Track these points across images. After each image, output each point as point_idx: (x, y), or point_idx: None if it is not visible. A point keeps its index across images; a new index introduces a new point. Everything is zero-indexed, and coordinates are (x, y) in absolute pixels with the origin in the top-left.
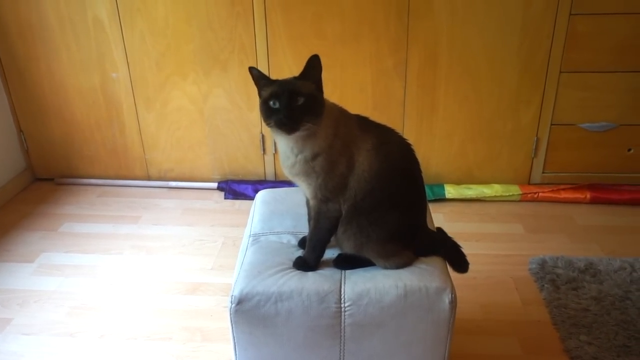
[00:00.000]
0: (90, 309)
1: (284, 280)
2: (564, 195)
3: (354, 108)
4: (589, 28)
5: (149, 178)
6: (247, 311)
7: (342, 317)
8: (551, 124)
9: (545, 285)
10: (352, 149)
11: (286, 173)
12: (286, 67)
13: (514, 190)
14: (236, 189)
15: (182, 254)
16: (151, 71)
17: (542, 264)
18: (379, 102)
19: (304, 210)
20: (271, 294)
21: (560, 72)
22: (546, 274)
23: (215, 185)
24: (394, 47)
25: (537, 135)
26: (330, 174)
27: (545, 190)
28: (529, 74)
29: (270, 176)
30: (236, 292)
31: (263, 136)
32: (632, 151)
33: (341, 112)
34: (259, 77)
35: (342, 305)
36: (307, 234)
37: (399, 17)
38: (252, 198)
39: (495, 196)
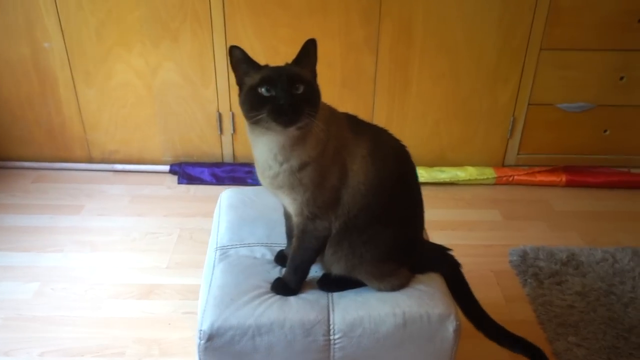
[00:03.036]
0: (27, 321)
1: (262, 309)
2: (539, 178)
3: (321, 85)
4: (572, 2)
5: (91, 160)
6: (219, 348)
7: (331, 351)
8: (528, 104)
9: (528, 280)
10: (345, 156)
11: (265, 184)
12: (245, 40)
13: (489, 173)
14: (191, 172)
15: (133, 250)
16: (90, 41)
17: (523, 255)
18: (348, 78)
19: (277, 216)
20: (247, 328)
21: (541, 49)
22: (528, 267)
23: (167, 168)
24: (365, 19)
25: (513, 115)
26: (320, 188)
27: (521, 173)
28: (508, 50)
29: (228, 158)
30: (205, 327)
31: (220, 114)
32: (608, 132)
33: (331, 112)
34: (240, 60)
35: (332, 338)
36: (284, 247)
37: None
38: (208, 182)
39: (470, 180)
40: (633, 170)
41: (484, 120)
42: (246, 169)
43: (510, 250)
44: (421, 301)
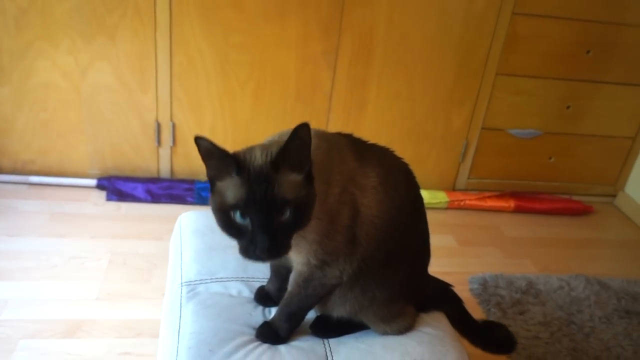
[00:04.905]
0: None
1: None
2: (489, 203)
3: (273, 98)
4: (529, 30)
5: (0, 171)
6: None
7: None
8: (481, 128)
9: (492, 310)
10: (354, 191)
11: None
12: (193, 44)
13: (441, 197)
14: (122, 188)
15: (54, 279)
16: (7, 32)
17: (484, 283)
18: (302, 92)
19: None
20: None
21: (496, 74)
22: (490, 296)
23: (93, 182)
24: (324, 31)
25: (466, 139)
26: (330, 234)
27: (472, 197)
28: (465, 73)
29: (165, 173)
30: None
31: (159, 124)
32: (552, 160)
33: (329, 148)
34: (209, 154)
35: None
36: (263, 281)
37: None
38: (142, 200)
39: None
40: (575, 198)
41: (437, 143)
42: (185, 185)
43: (470, 278)
44: (432, 347)
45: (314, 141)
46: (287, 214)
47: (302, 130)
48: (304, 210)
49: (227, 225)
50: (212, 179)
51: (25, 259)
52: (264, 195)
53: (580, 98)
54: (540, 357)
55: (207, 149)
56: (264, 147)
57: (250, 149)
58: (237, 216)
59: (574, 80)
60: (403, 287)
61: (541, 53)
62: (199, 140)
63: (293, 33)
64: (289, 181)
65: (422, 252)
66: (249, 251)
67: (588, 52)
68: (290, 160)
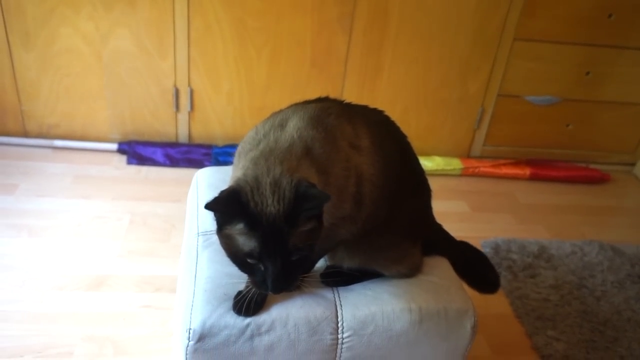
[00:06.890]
0: None
1: None
2: (504, 170)
3: (289, 63)
4: None
5: (26, 135)
6: (210, 350)
7: (339, 350)
8: (498, 95)
9: (503, 273)
10: (353, 155)
11: None
12: (211, 10)
13: (456, 164)
14: (142, 152)
15: (78, 236)
16: None
17: (496, 247)
18: (318, 58)
19: None
20: (245, 327)
21: (514, 39)
22: (502, 260)
23: (114, 146)
24: None
25: (482, 106)
26: (336, 205)
27: (486, 164)
28: (482, 39)
29: (183, 138)
30: (196, 325)
31: (177, 90)
32: (570, 127)
33: (326, 135)
34: (217, 210)
35: (340, 336)
36: None
37: None
38: (161, 164)
39: (437, 170)
40: (592, 166)
41: (453, 109)
42: (203, 150)
43: (482, 242)
44: (437, 295)
45: (311, 132)
46: (296, 256)
47: (302, 188)
48: (314, 247)
49: (238, 263)
50: (219, 223)
51: (52, 218)
52: (278, 248)
53: (600, 64)
54: (550, 318)
55: (216, 208)
56: (272, 184)
57: (257, 184)
58: (249, 259)
59: (594, 46)
60: (407, 230)
61: (560, 17)
62: (207, 208)
63: None
64: (303, 231)
65: (420, 190)
66: (261, 287)
67: (610, 16)
68: (304, 214)
